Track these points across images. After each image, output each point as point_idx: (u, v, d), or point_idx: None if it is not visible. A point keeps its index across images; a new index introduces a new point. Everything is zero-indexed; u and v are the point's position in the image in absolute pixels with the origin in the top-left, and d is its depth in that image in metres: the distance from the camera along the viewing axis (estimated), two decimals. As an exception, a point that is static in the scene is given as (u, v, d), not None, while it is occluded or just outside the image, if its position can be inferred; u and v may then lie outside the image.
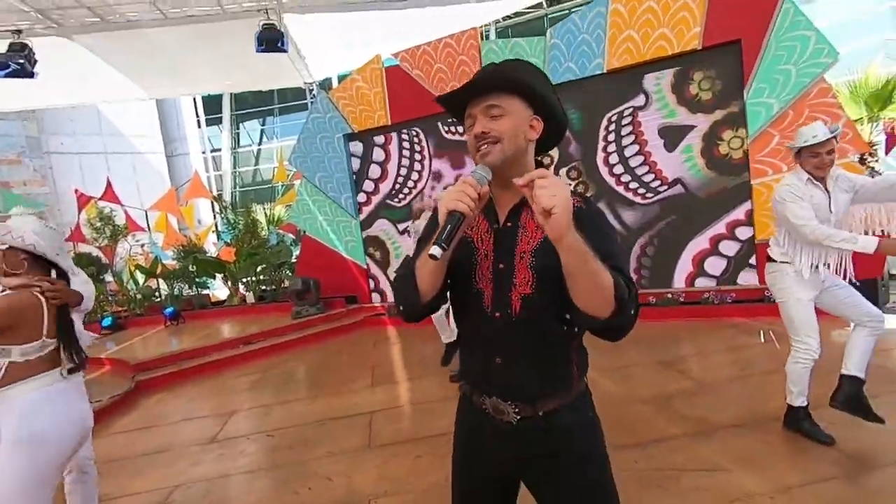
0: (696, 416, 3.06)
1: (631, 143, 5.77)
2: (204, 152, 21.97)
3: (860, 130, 6.60)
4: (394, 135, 7.06)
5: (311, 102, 13.03)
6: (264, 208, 12.28)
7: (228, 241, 10.41)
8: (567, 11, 16.06)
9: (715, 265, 5.49)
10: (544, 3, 17.23)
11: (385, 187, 7.24)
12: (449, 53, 6.50)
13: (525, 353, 1.12)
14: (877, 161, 7.30)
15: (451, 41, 6.48)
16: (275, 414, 4.08)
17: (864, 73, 7.70)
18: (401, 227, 7.18)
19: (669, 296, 5.51)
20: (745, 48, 5.01)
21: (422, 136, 6.92)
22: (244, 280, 9.37)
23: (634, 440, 2.81)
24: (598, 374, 3.75)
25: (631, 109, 5.72)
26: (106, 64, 8.49)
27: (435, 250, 0.95)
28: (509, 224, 1.14)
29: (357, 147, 7.35)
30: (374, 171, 7.29)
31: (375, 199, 7.34)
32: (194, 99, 20.83)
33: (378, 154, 7.23)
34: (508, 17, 16.30)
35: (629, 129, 5.76)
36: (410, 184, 7.08)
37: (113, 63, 8.55)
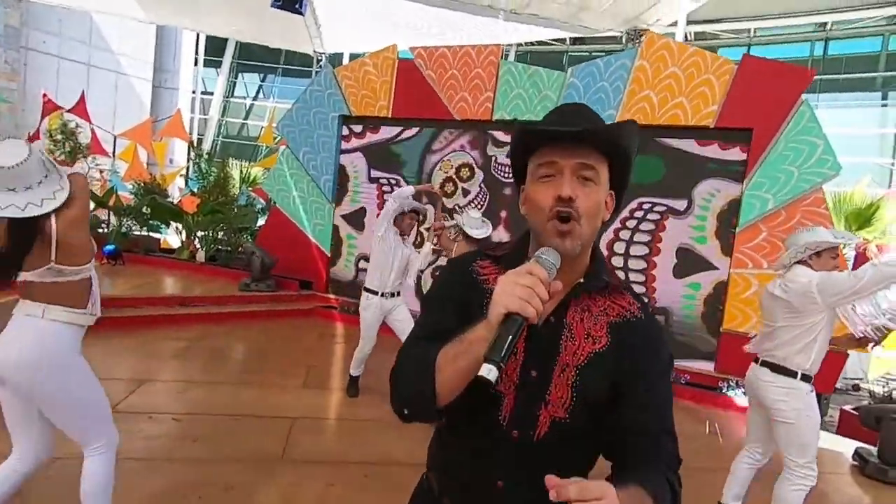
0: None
1: (642, 243, 5.48)
2: (194, 92, 21.03)
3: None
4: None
5: (316, 72, 12.64)
6: (241, 165, 11.76)
7: (195, 190, 9.87)
8: (588, 54, 16.24)
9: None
10: (568, 41, 17.39)
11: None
12: (466, 63, 6.30)
13: (536, 483, 0.87)
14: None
15: (471, 51, 6.29)
16: (191, 394, 3.73)
17: (851, 191, 7.97)
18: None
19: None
20: (756, 138, 5.02)
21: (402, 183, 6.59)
22: (199, 234, 8.87)
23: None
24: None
25: (663, 209, 5.40)
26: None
27: (489, 371, 0.69)
28: (552, 320, 0.89)
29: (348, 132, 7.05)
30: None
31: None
32: (197, 35, 19.92)
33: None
34: (531, 43, 16.32)
35: (650, 226, 5.43)
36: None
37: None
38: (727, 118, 5.13)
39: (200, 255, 8.12)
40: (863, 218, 7.59)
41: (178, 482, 2.60)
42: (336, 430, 3.39)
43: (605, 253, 5.53)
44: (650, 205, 5.44)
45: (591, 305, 0.91)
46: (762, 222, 4.97)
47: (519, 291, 0.72)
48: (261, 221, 9.59)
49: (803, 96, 4.86)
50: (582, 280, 0.90)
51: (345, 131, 7.05)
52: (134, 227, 9.03)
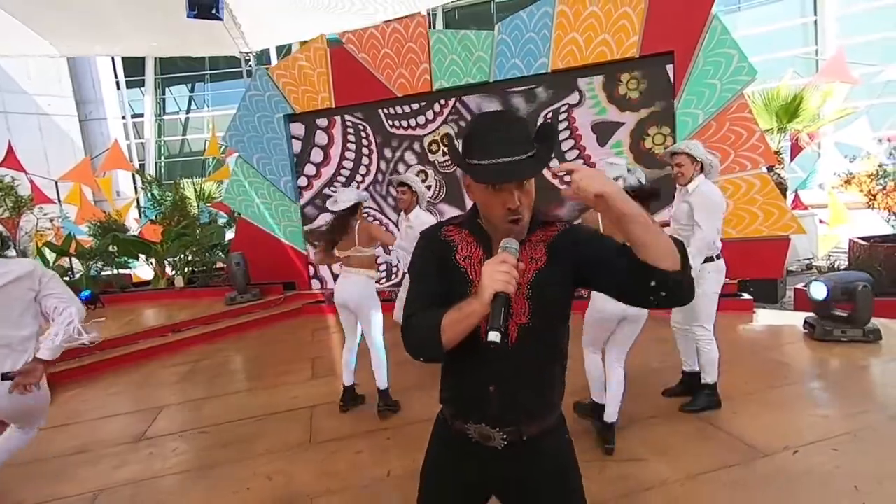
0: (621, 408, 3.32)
1: (567, 139, 6.03)
2: (124, 117, 20.18)
3: (770, 140, 7.25)
4: (337, 118, 6.89)
5: (248, 72, 12.33)
6: (194, 183, 11.58)
7: (153, 218, 9.75)
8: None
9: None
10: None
11: (328, 171, 7.08)
12: (397, 39, 6.39)
13: (519, 381, 1.19)
14: (782, 168, 8.08)
15: (398, 27, 6.36)
16: (208, 408, 3.96)
17: (776, 87, 8.44)
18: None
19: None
20: (678, 60, 5.34)
21: (368, 128, 6.82)
22: (171, 261, 8.85)
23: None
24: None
25: (566, 107, 5.98)
26: (4, 13, 7.55)
27: (495, 336, 0.98)
28: None
29: (299, 129, 7.09)
30: (317, 154, 7.09)
31: (317, 184, 7.16)
32: (112, 58, 18.97)
33: (321, 137, 7.03)
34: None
35: (565, 124, 6.02)
36: (358, 177, 6.96)
37: (14, 12, 7.62)
38: (649, 45, 5.42)
39: (178, 281, 8.16)
40: (791, 110, 8.08)
41: (223, 482, 2.87)
42: (353, 411, 3.67)
43: (546, 171, 6.05)
44: (552, 111, 6.06)
45: (532, 238, 1.20)
46: (696, 136, 5.35)
47: (500, 276, 1.02)
48: (229, 234, 9.61)
49: (713, 10, 5.17)
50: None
51: (302, 181, 7.20)
52: (102, 269, 8.93)
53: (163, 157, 22.56)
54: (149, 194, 10.02)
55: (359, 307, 3.48)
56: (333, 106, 6.77)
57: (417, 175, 6.57)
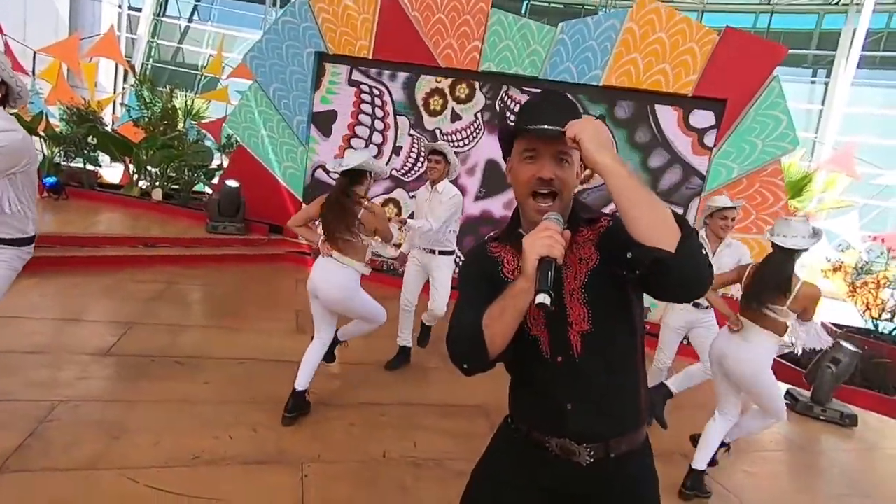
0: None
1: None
2: (121, 6, 18.68)
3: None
4: (366, 79, 6.53)
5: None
6: (185, 96, 10.84)
7: (136, 120, 9.03)
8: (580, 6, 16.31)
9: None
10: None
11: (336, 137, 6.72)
12: (454, 7, 6.09)
13: (596, 393, 1.08)
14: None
15: (460, -5, 6.08)
16: (185, 338, 3.64)
17: (788, 163, 8.72)
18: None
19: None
20: (729, 109, 5.34)
21: (387, 96, 6.51)
22: (149, 170, 8.23)
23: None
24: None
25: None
26: None
27: (545, 298, 0.90)
28: None
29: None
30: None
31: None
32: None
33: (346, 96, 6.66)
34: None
35: None
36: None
37: None
38: (705, 87, 5.40)
39: (157, 194, 7.57)
40: (797, 188, 8.37)
41: (202, 424, 2.61)
42: (343, 374, 3.43)
43: None
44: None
45: (578, 238, 1.10)
46: (726, 189, 5.39)
47: (543, 241, 0.94)
48: (217, 160, 9.04)
49: (775, 72, 5.20)
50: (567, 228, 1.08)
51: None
52: (73, 158, 8.18)
53: (151, 60, 21.10)
54: (138, 94, 9.27)
55: (333, 303, 2.79)
56: (370, 57, 6.41)
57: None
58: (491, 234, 1.26)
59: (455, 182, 3.69)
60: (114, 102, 13.77)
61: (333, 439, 2.69)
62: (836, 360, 4.08)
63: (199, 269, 5.44)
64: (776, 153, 5.23)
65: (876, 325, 6.49)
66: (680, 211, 5.27)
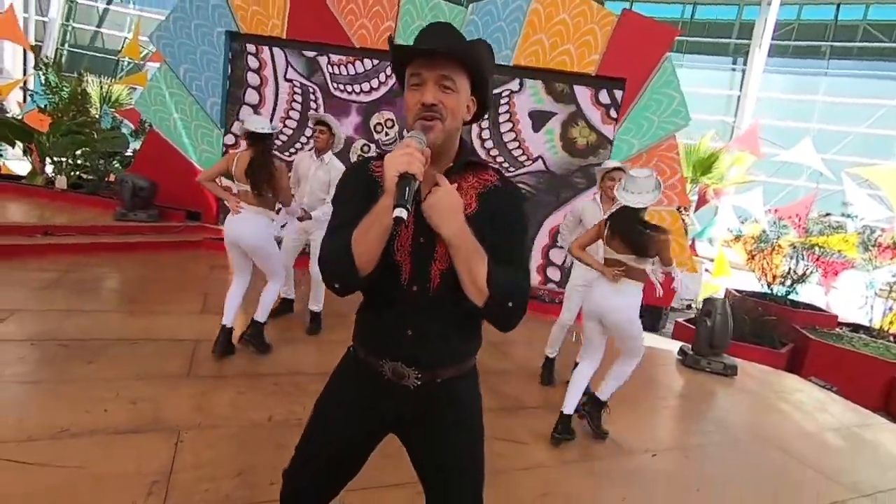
0: (510, 394, 3.47)
1: (506, 121, 6.21)
2: (27, -14, 17.29)
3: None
4: (280, 61, 6.43)
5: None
6: (101, 82, 10.25)
7: (42, 106, 8.46)
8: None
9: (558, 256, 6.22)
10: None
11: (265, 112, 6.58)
12: (367, -13, 6.09)
13: (438, 327, 1.16)
14: (688, 215, 8.93)
15: (372, -25, 6.07)
16: (73, 322, 3.51)
17: (698, 143, 9.30)
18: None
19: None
20: (628, 88, 5.65)
21: (316, 89, 6.49)
22: (56, 159, 7.75)
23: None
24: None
25: (508, 92, 6.14)
26: None
27: (401, 212, 0.94)
28: None
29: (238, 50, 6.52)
30: (252, 95, 6.58)
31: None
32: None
33: (252, 78, 6.52)
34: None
35: (506, 108, 6.19)
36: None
37: None
38: (606, 67, 5.68)
39: (61, 182, 7.15)
40: (705, 166, 8.95)
41: (75, 400, 2.55)
42: (241, 350, 3.44)
43: (477, 142, 6.29)
44: (496, 95, 6.16)
45: (462, 182, 1.16)
46: (627, 163, 5.70)
47: (401, 157, 0.99)
48: (134, 146, 8.63)
49: (668, 53, 5.53)
50: (452, 164, 1.16)
51: (252, 97, 6.60)
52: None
53: (67, 45, 19.70)
54: (42, 78, 8.68)
55: (255, 249, 3.22)
56: (284, 37, 6.30)
57: (362, 149, 6.42)
58: (373, 153, 1.29)
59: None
60: (24, 89, 12.79)
61: (216, 407, 2.70)
62: (708, 313, 4.45)
63: (103, 258, 5.21)
64: (670, 129, 5.59)
65: (771, 289, 7.10)
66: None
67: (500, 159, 6.22)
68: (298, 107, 6.56)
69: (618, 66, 5.64)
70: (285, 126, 6.61)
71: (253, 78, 6.54)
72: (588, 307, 3.00)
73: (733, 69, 20.43)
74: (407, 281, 1.13)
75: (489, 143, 6.28)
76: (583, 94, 5.94)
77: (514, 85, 6.11)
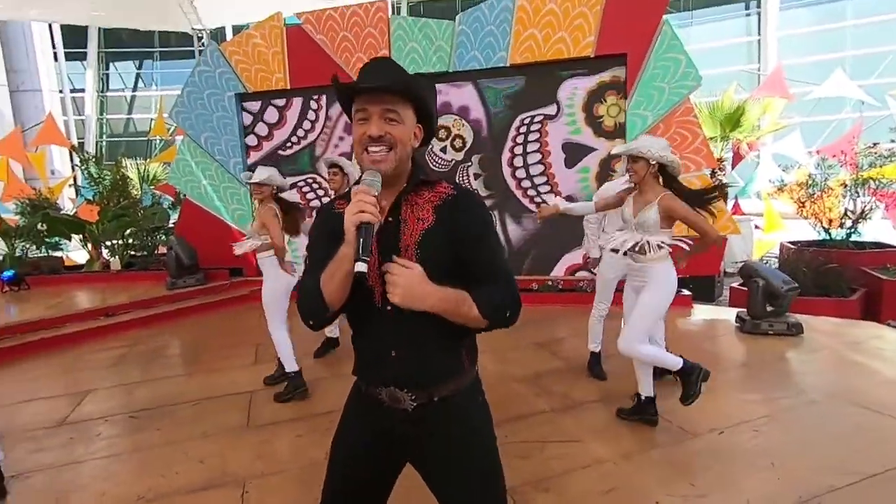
0: (561, 392, 3.41)
1: (535, 151, 6.08)
2: (61, 91, 18.82)
3: (714, 147, 7.64)
4: (296, 100, 6.70)
5: (200, 52, 11.80)
6: (137, 164, 10.98)
7: (90, 198, 9.16)
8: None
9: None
10: (457, -14, 17.23)
11: (281, 134, 6.87)
12: (356, 23, 6.27)
13: (417, 344, 1.17)
14: (724, 175, 8.52)
15: (358, 10, 6.24)
16: (140, 393, 3.76)
17: (721, 97, 8.89)
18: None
19: (549, 283, 5.98)
20: (630, 62, 5.51)
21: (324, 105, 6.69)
22: (108, 244, 8.34)
23: (505, 416, 3.04)
24: (480, 355, 3.98)
25: (542, 117, 6.00)
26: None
27: (361, 266, 1.01)
28: (391, 220, 1.18)
29: (253, 107, 6.85)
30: (262, 128, 6.91)
31: (268, 146, 6.94)
32: (50, 26, 17.65)
33: (271, 115, 6.83)
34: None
35: (536, 135, 6.05)
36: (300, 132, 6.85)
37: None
38: (604, 46, 5.57)
39: (115, 264, 7.70)
40: (733, 120, 8.53)
41: (150, 466, 2.73)
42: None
43: (507, 169, 6.21)
44: (529, 118, 6.04)
45: (417, 199, 1.20)
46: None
47: (356, 208, 1.04)
48: (174, 218, 9.16)
49: (664, 17, 5.37)
50: (406, 184, 1.20)
51: (251, 140, 6.95)
52: (30, 250, 8.31)
53: (104, 136, 21.28)
54: (85, 172, 9.41)
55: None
56: (288, 87, 6.57)
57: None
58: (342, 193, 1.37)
59: None
60: (74, 185, 13.87)
61: (277, 453, 2.81)
62: (756, 274, 4.22)
63: (160, 328, 5.56)
64: (683, 92, 5.39)
65: (829, 235, 6.65)
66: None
67: (531, 192, 6.12)
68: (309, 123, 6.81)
69: (615, 43, 5.52)
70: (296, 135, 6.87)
71: (271, 114, 6.87)
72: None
73: (748, 13, 19.46)
74: (381, 302, 1.16)
75: (521, 173, 6.11)
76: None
77: (551, 109, 5.91)
